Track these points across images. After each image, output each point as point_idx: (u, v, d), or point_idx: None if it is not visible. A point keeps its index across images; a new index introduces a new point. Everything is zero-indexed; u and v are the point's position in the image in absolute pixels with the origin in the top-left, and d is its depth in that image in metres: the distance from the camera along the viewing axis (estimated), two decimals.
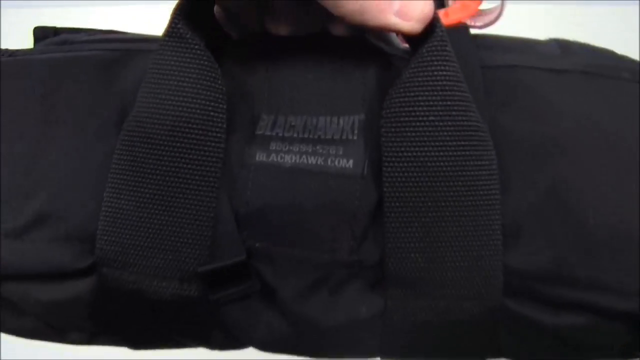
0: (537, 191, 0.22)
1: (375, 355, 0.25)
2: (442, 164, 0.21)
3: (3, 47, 0.29)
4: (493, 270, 0.22)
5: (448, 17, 0.26)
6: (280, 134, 0.23)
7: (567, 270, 0.22)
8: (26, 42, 0.29)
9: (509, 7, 0.29)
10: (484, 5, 0.28)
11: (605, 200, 0.22)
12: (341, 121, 0.23)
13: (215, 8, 0.24)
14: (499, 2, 0.27)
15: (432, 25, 0.22)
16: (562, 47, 0.26)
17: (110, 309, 0.24)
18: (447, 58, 0.21)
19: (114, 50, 0.25)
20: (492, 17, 0.27)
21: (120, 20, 0.45)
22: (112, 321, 0.24)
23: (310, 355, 0.25)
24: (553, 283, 0.22)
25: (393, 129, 0.21)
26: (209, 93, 0.22)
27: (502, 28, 0.40)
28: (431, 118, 0.21)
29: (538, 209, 0.22)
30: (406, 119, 0.21)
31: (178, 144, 0.22)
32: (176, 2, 0.22)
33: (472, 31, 0.25)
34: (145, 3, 0.58)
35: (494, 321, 0.23)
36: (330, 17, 0.22)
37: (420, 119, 0.21)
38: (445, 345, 0.24)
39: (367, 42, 0.24)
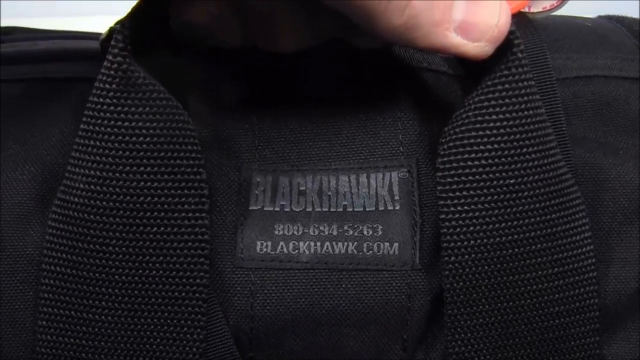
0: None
1: None
2: (523, 243, 0.16)
3: None
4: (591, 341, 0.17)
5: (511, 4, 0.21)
6: (288, 209, 0.17)
7: None
8: None
9: None
10: None
11: None
12: (373, 181, 0.17)
13: (175, 24, 0.18)
14: None
15: (509, 38, 0.16)
16: (634, 34, 0.21)
17: None
18: (528, 91, 0.16)
19: (22, 81, 0.18)
20: (555, 1, 0.22)
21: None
22: None
23: None
24: None
25: (457, 194, 0.16)
26: (179, 160, 0.16)
27: None
28: (512, 181, 0.16)
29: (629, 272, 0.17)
30: (476, 180, 0.16)
31: (141, 241, 0.16)
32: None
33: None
34: None
35: None
36: (350, 23, 0.16)
37: (497, 181, 0.16)
38: None
39: (401, 56, 0.18)
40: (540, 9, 0.22)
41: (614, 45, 0.21)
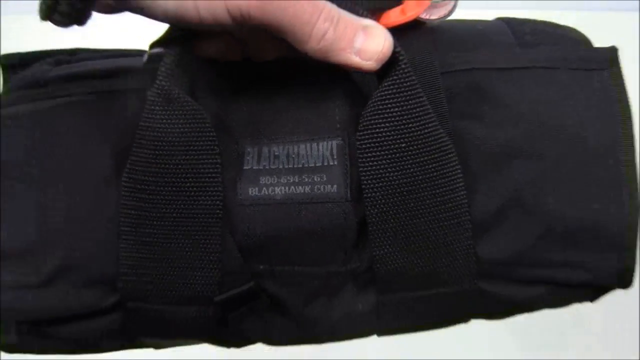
0: (501, 196, 0.25)
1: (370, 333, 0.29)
2: (413, 182, 0.25)
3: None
4: (466, 261, 0.26)
5: (405, 14, 0.28)
6: (267, 167, 0.26)
7: (529, 257, 0.26)
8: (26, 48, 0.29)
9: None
10: None
11: (566, 198, 0.25)
12: (320, 147, 0.26)
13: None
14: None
15: (395, 55, 0.24)
16: (516, 34, 0.28)
17: (138, 330, 0.27)
18: (410, 89, 0.24)
19: (92, 94, 0.27)
20: (447, 9, 0.29)
21: (116, 33, 0.47)
22: (141, 337, 0.28)
23: (317, 343, 0.29)
24: (518, 266, 0.26)
25: (368, 155, 0.24)
26: (202, 143, 0.24)
27: None
28: (402, 145, 0.24)
29: (503, 210, 0.25)
30: (378, 146, 0.24)
31: (179, 192, 0.25)
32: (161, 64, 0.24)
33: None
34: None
35: (471, 299, 0.27)
36: None
37: (392, 144, 0.24)
38: (430, 320, 0.28)
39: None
40: (436, 17, 0.29)
41: (493, 44, 0.28)
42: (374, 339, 0.35)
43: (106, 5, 0.22)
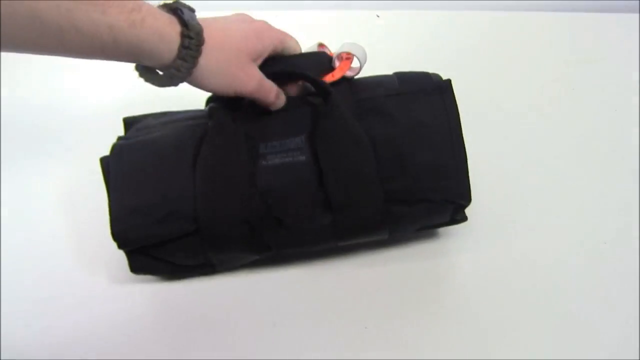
0: (392, 161, 0.48)
1: (333, 241, 0.51)
2: (346, 155, 0.48)
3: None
4: (377, 193, 0.48)
5: (334, 76, 0.52)
6: (271, 151, 0.48)
7: (412, 188, 0.49)
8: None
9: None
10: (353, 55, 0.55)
11: (425, 154, 0.49)
12: (297, 139, 0.49)
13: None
14: (358, 64, 0.54)
15: (327, 90, 0.50)
16: (400, 78, 0.54)
17: (208, 246, 0.49)
18: (337, 107, 0.50)
19: (185, 127, 0.51)
20: (356, 71, 0.54)
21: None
22: (210, 253, 0.50)
23: (302, 247, 0.51)
24: (406, 194, 0.49)
25: (322, 142, 0.48)
26: (239, 147, 0.49)
27: (523, 37, 0.81)
28: (340, 135, 0.48)
29: (393, 167, 0.48)
30: (327, 138, 0.48)
31: (227, 165, 0.48)
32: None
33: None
34: None
35: (382, 215, 0.49)
36: (286, 86, 0.51)
37: (334, 137, 0.48)
38: (359, 231, 0.51)
39: (306, 98, 0.53)
40: (353, 74, 0.54)
41: (385, 85, 0.53)
42: (374, 338, 0.48)
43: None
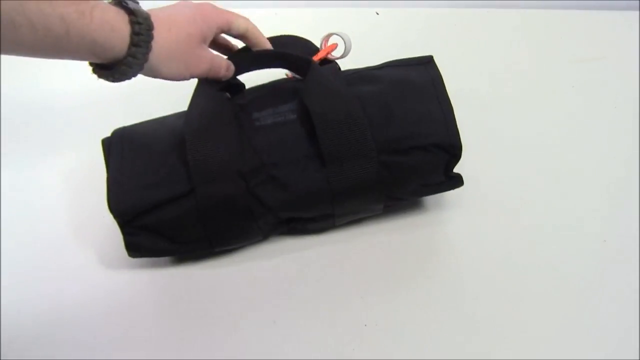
0: (380, 111, 0.50)
1: (329, 204, 0.51)
2: (333, 105, 0.49)
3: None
4: (367, 141, 0.48)
5: (318, 56, 0.55)
6: (264, 115, 0.51)
7: (405, 138, 0.49)
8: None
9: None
10: (336, 39, 0.57)
11: (411, 103, 0.51)
12: (288, 104, 0.51)
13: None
14: (344, 46, 0.56)
15: (307, 60, 0.52)
16: (385, 63, 0.57)
17: (204, 211, 0.49)
18: (324, 76, 0.52)
19: (179, 116, 0.55)
20: (340, 53, 0.57)
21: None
22: (208, 217, 0.49)
23: (298, 210, 0.51)
24: (400, 143, 0.50)
25: (309, 95, 0.49)
26: (227, 112, 0.51)
27: (523, 34, 0.82)
28: (325, 85, 0.50)
29: (380, 116, 0.50)
30: (313, 90, 0.50)
31: (229, 125, 0.50)
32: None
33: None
34: None
35: (377, 175, 0.50)
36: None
37: (320, 88, 0.50)
38: (353, 187, 0.50)
39: (296, 80, 0.56)
40: (338, 56, 0.56)
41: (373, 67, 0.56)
42: (374, 340, 0.48)
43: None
